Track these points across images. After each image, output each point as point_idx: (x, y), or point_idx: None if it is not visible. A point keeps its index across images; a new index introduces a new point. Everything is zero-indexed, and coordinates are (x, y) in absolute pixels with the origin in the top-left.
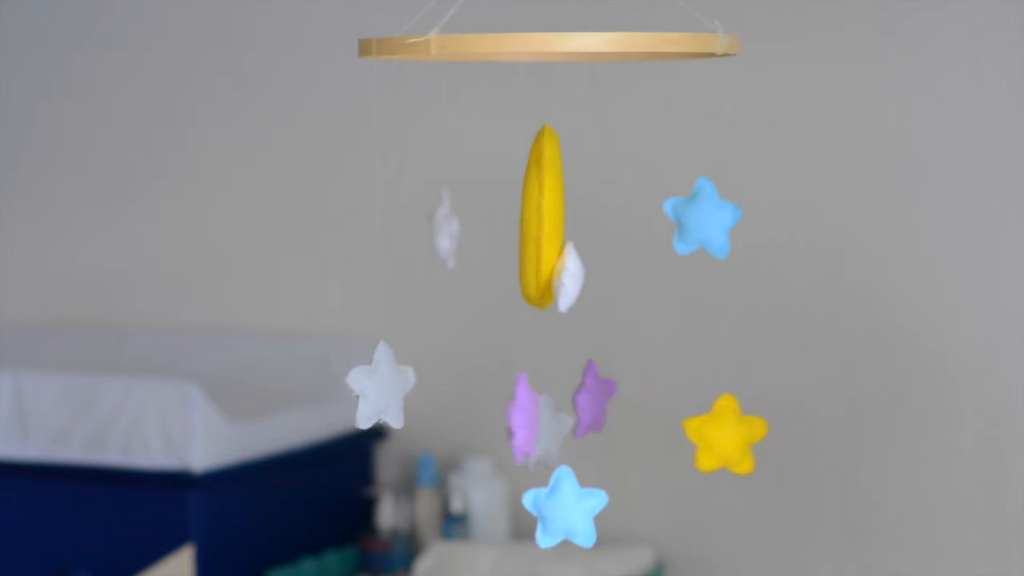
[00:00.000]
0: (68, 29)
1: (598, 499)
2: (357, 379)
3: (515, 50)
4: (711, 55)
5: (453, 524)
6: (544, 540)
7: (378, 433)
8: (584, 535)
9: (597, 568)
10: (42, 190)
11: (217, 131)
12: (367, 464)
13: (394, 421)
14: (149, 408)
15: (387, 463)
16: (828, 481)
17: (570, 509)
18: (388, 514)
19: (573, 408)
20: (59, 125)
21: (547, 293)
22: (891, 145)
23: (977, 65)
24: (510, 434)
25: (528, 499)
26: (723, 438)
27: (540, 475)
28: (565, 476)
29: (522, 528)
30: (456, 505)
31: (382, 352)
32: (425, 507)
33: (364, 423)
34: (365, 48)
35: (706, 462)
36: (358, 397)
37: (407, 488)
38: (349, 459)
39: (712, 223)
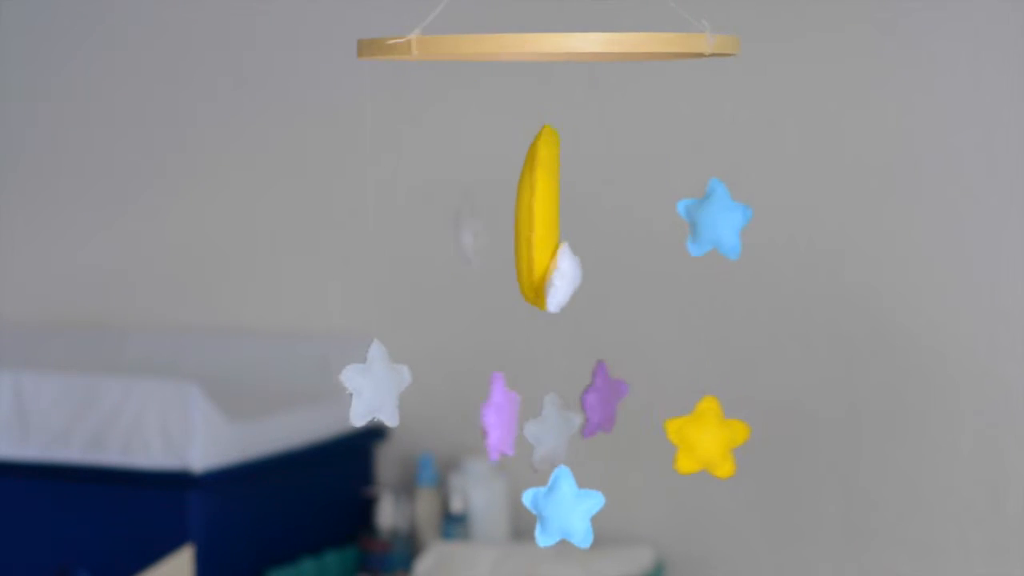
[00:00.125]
0: (68, 29)
1: (595, 500)
2: (350, 377)
3: (494, 51)
4: (700, 55)
5: (453, 524)
6: (543, 539)
7: (378, 433)
8: (581, 536)
9: (597, 568)
10: (42, 190)
11: (217, 131)
12: (367, 464)
13: (388, 419)
14: (149, 408)
15: (387, 463)
16: (828, 481)
17: (567, 509)
18: (388, 514)
19: (581, 408)
20: (59, 125)
21: (541, 293)
22: (891, 145)
23: (977, 65)
24: (484, 433)
25: (527, 498)
26: (704, 440)
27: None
28: (563, 476)
29: (522, 528)
30: (456, 505)
31: (376, 350)
32: (425, 507)
33: (357, 421)
34: (360, 49)
35: (685, 464)
36: (351, 395)
37: (407, 488)
38: (349, 459)
39: (724, 224)
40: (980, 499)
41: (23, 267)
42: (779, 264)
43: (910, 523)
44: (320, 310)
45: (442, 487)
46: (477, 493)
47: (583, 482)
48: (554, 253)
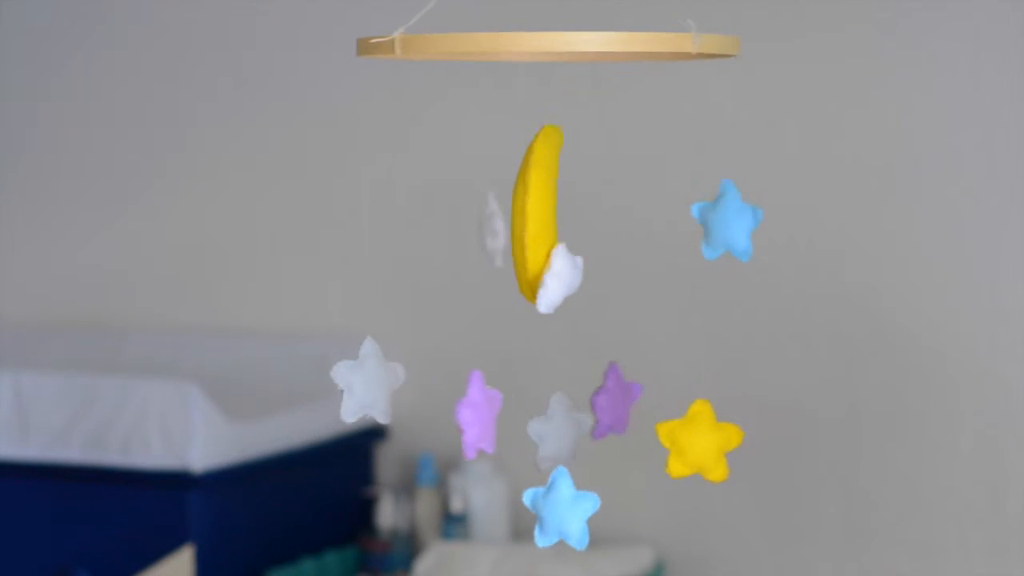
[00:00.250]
0: (68, 29)
1: (591, 502)
2: (341, 373)
3: (473, 50)
4: (687, 56)
5: (453, 524)
6: (541, 539)
7: (378, 433)
8: (577, 537)
9: (597, 568)
10: (42, 190)
11: (217, 131)
12: (367, 464)
13: (380, 416)
14: (149, 408)
15: (387, 463)
16: (828, 481)
17: (564, 510)
18: (388, 514)
19: (590, 409)
20: (59, 125)
21: (536, 293)
22: (891, 145)
23: (977, 65)
24: (460, 431)
25: (527, 498)
26: (696, 444)
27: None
28: (561, 477)
29: (522, 528)
30: (456, 505)
31: (369, 347)
32: (425, 507)
33: (348, 417)
34: (359, 48)
35: (677, 468)
36: (343, 391)
37: (407, 488)
38: (349, 459)
39: (735, 227)
40: (980, 499)
41: (23, 267)
42: (779, 264)
43: (910, 523)
44: (320, 310)
45: (442, 487)
46: (477, 493)
47: (585, 482)
48: (550, 253)
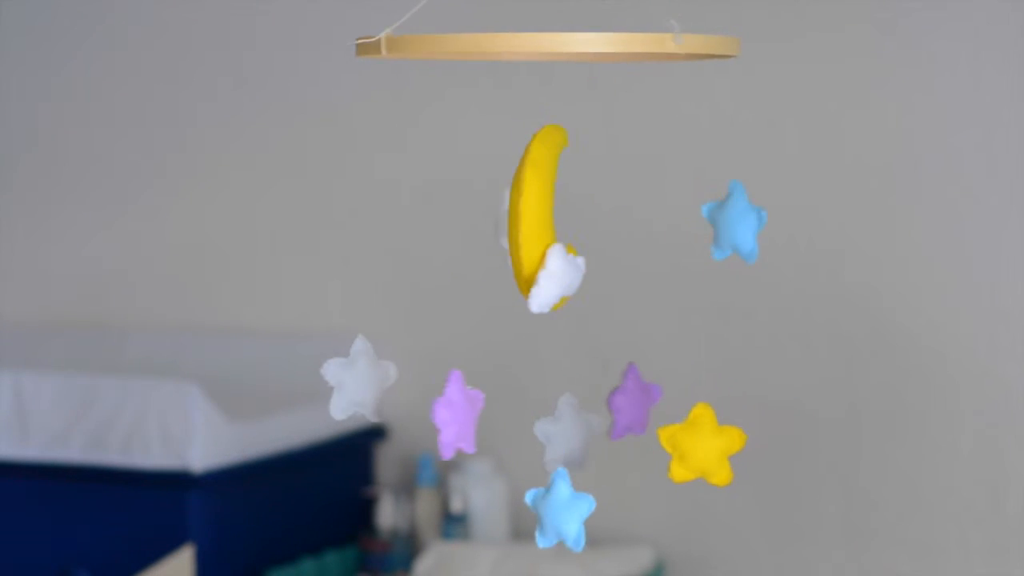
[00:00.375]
0: (68, 29)
1: (587, 504)
2: (332, 371)
3: (456, 50)
4: (677, 56)
5: (453, 524)
6: (542, 540)
7: (378, 433)
8: (572, 539)
9: (597, 568)
10: (42, 190)
11: (217, 131)
12: (367, 464)
13: (370, 414)
14: (149, 408)
15: (387, 463)
16: (828, 481)
17: (561, 511)
18: (388, 514)
19: (607, 409)
20: (59, 125)
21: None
22: (891, 145)
23: (977, 65)
24: (437, 430)
25: (529, 497)
26: (698, 448)
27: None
28: (560, 478)
29: (522, 528)
30: (456, 505)
31: (360, 345)
32: (425, 507)
33: (338, 415)
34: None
35: (679, 472)
36: (333, 389)
37: (407, 488)
38: (349, 459)
39: (740, 228)
40: (980, 499)
41: (23, 267)
42: (779, 264)
43: (910, 523)
44: (320, 310)
45: (442, 487)
46: (477, 493)
47: (585, 482)
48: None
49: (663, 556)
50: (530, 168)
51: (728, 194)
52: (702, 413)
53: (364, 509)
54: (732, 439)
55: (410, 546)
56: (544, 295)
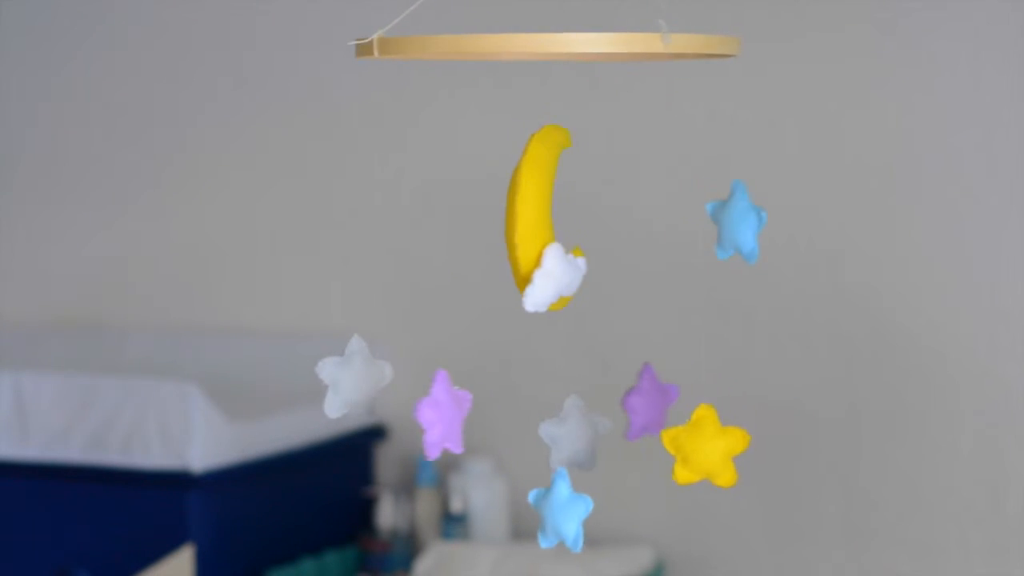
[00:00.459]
0: (68, 29)
1: (585, 505)
2: (327, 370)
3: (450, 51)
4: (670, 56)
5: (453, 524)
6: (543, 540)
7: (378, 433)
8: (570, 540)
9: (597, 568)
10: (42, 190)
11: (217, 131)
12: (367, 464)
13: (364, 412)
14: (149, 408)
15: (387, 463)
16: (828, 481)
17: (560, 512)
18: (388, 514)
19: (623, 409)
20: (59, 125)
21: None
22: (891, 145)
23: (977, 65)
24: (421, 430)
25: (532, 497)
26: (702, 450)
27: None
28: (560, 478)
29: (522, 528)
30: (456, 505)
31: (355, 344)
32: (425, 507)
33: (332, 413)
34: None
35: (683, 474)
36: (327, 387)
37: (407, 488)
38: (349, 459)
39: (741, 228)
40: (980, 499)
41: (23, 267)
42: (779, 264)
43: (910, 523)
44: (320, 310)
45: (442, 487)
46: (477, 493)
47: (585, 482)
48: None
49: (663, 556)
50: (527, 167)
51: (730, 193)
52: (705, 414)
53: (364, 509)
54: (736, 440)
55: (410, 546)
56: (539, 294)
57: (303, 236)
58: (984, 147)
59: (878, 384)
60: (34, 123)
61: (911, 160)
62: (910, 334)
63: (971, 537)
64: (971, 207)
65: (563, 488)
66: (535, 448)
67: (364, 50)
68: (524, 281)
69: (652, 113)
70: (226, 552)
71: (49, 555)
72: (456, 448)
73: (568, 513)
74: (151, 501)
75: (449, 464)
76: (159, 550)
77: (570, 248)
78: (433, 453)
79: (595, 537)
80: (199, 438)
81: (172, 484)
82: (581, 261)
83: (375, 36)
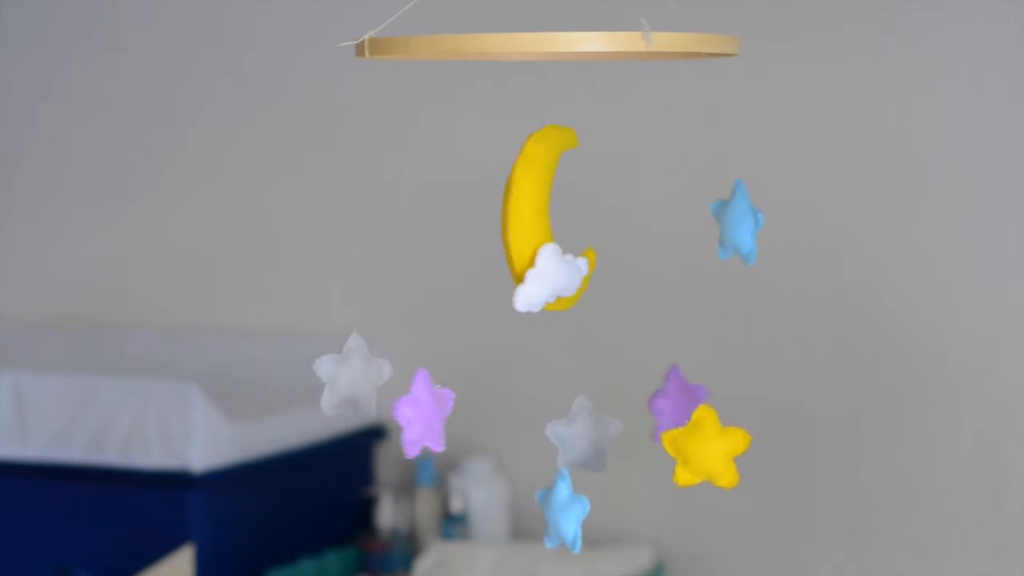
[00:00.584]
0: (68, 29)
1: (583, 506)
2: (324, 367)
3: (442, 51)
4: (670, 56)
5: (453, 524)
6: (547, 540)
7: (378, 433)
8: (569, 540)
9: (597, 568)
10: (42, 190)
11: (217, 131)
12: (367, 464)
13: (365, 409)
14: (149, 408)
15: (387, 463)
16: (828, 481)
17: (560, 512)
18: (388, 514)
19: (649, 411)
20: (59, 125)
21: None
22: (891, 145)
23: (977, 65)
24: (401, 428)
25: (539, 496)
26: (702, 451)
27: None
28: (561, 479)
29: (522, 528)
30: (456, 505)
31: (354, 342)
32: (425, 507)
33: (328, 410)
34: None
35: (684, 476)
36: (325, 384)
37: (407, 488)
38: (349, 459)
39: (739, 229)
40: (980, 499)
41: (23, 267)
42: (779, 264)
43: (910, 523)
44: (320, 310)
45: (442, 487)
46: (477, 493)
47: (585, 482)
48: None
49: (663, 556)
50: (522, 166)
51: (732, 193)
52: (704, 416)
53: (364, 509)
54: (736, 440)
55: (410, 546)
56: (530, 294)
57: (303, 236)
58: (984, 147)
59: (878, 384)
60: (34, 123)
61: (911, 160)
62: (910, 334)
63: (971, 537)
64: (971, 207)
65: (563, 489)
66: (535, 448)
67: (362, 50)
68: (519, 280)
69: (652, 113)
70: (226, 552)
71: (49, 555)
72: (437, 447)
73: (567, 514)
74: (151, 501)
75: (449, 464)
76: (159, 550)
77: (579, 250)
78: (412, 451)
79: (595, 537)
80: (199, 438)
81: (172, 484)
82: (581, 262)
83: (366, 37)
